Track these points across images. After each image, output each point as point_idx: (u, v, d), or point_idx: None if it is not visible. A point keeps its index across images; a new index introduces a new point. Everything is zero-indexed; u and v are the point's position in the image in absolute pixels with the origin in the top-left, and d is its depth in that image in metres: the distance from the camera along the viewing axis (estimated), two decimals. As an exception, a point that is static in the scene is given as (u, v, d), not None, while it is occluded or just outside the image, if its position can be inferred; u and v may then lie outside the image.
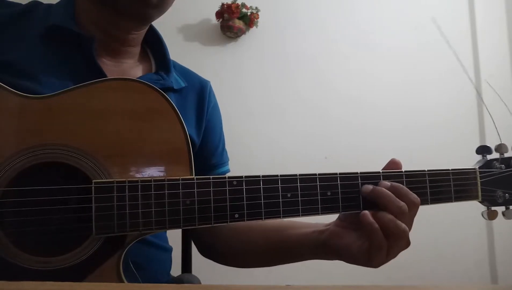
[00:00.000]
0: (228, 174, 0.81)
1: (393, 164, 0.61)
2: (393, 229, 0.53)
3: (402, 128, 2.14)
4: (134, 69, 0.71)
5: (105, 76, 0.64)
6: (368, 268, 0.58)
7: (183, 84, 0.75)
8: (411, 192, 0.56)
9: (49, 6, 0.68)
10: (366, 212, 0.54)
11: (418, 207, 0.56)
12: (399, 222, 0.53)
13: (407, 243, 0.56)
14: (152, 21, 0.71)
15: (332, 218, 0.62)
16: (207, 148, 0.78)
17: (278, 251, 0.69)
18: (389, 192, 0.55)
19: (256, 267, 0.76)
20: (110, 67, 0.67)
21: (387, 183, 0.56)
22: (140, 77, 0.68)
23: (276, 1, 2.17)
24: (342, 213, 0.58)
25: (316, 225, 0.65)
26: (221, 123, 0.84)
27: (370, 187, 0.56)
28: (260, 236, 0.70)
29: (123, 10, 0.64)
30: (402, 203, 0.54)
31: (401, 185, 0.56)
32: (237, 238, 0.73)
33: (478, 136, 2.19)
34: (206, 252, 0.80)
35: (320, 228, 0.64)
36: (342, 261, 0.62)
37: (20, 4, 0.67)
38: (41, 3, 0.69)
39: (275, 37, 2.14)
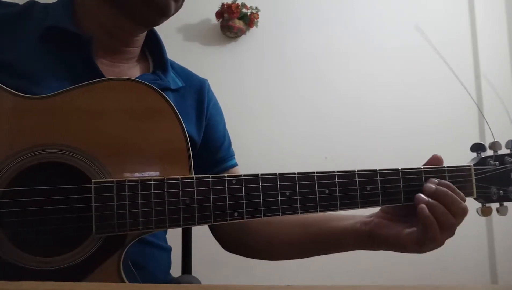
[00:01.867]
0: (234, 169, 0.82)
1: (435, 160, 0.64)
2: (445, 222, 0.56)
3: (402, 128, 2.14)
4: (132, 69, 0.71)
5: (103, 76, 0.64)
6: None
7: (180, 84, 0.75)
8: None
9: (46, 5, 0.68)
10: (423, 206, 0.56)
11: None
12: (451, 216, 0.56)
13: (453, 233, 0.59)
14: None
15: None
16: (211, 144, 0.78)
17: (318, 242, 0.70)
18: (453, 194, 0.58)
19: (290, 258, 0.76)
20: (108, 67, 0.67)
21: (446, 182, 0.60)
22: (137, 77, 0.68)
23: (276, 1, 2.17)
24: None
25: (356, 217, 0.67)
26: (223, 121, 0.84)
27: (434, 187, 0.58)
28: (297, 226, 0.71)
29: (137, 16, 0.66)
30: (465, 205, 0.58)
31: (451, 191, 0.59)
32: (270, 230, 0.73)
33: (478, 137, 2.19)
34: (233, 246, 0.79)
35: (363, 219, 0.66)
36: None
37: (17, 5, 0.67)
38: (38, 2, 0.69)
39: (275, 37, 2.14)
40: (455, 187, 0.59)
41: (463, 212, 0.58)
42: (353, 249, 0.68)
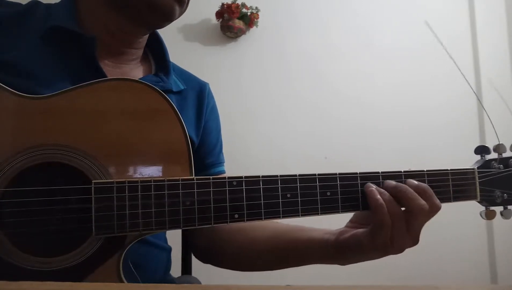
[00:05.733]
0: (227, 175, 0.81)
1: None
2: (396, 213, 0.54)
3: (402, 128, 2.14)
4: (134, 70, 0.71)
5: (106, 77, 0.64)
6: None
7: (182, 87, 0.75)
8: (435, 195, 0.57)
9: (49, 6, 0.68)
10: (372, 189, 0.55)
11: (436, 212, 0.57)
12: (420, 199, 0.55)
13: (414, 240, 0.57)
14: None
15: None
16: (204, 147, 0.78)
17: (285, 252, 0.69)
18: (412, 190, 0.56)
19: (260, 270, 0.75)
20: (110, 68, 0.67)
21: (414, 181, 0.57)
22: (139, 79, 0.68)
23: (276, 1, 2.17)
24: (354, 215, 0.62)
25: (326, 229, 0.66)
26: (219, 125, 0.84)
27: (393, 183, 0.57)
28: (269, 236, 0.70)
29: (140, 20, 0.66)
30: (423, 202, 0.55)
31: (428, 187, 0.57)
32: (241, 239, 0.72)
33: (478, 137, 2.19)
34: (207, 256, 0.79)
35: (331, 231, 0.64)
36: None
37: (20, 4, 0.67)
38: (41, 2, 0.69)
39: (275, 37, 2.14)
40: (425, 188, 0.56)
41: (420, 209, 0.55)
42: (318, 262, 0.66)
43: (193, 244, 0.81)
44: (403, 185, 0.56)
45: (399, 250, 0.56)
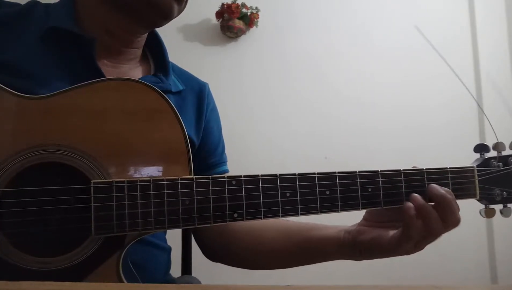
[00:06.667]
0: (227, 174, 0.81)
1: None
2: (435, 229, 0.56)
3: (402, 128, 2.14)
4: (133, 70, 0.71)
5: (104, 77, 0.64)
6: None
7: (181, 87, 0.75)
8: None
9: (47, 6, 0.68)
10: (411, 205, 0.56)
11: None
12: (441, 223, 0.56)
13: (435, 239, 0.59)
14: None
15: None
16: (205, 148, 0.78)
17: (301, 251, 0.69)
18: (456, 204, 0.57)
19: (274, 268, 0.75)
20: (109, 68, 0.67)
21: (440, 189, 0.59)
22: (138, 79, 0.68)
23: (276, 1, 2.17)
24: (367, 212, 0.64)
25: (339, 226, 0.67)
26: (219, 125, 0.84)
27: (442, 191, 0.57)
28: (280, 235, 0.71)
29: (139, 18, 0.66)
30: (459, 217, 0.57)
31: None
32: (253, 238, 0.73)
33: (478, 137, 2.19)
34: (217, 255, 0.79)
35: (345, 228, 0.66)
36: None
37: (18, 4, 0.67)
38: (39, 2, 0.69)
39: (275, 37, 2.14)
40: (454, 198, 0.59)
41: (457, 222, 0.58)
42: (336, 259, 0.67)
43: (203, 244, 0.81)
44: (449, 197, 0.57)
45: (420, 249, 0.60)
